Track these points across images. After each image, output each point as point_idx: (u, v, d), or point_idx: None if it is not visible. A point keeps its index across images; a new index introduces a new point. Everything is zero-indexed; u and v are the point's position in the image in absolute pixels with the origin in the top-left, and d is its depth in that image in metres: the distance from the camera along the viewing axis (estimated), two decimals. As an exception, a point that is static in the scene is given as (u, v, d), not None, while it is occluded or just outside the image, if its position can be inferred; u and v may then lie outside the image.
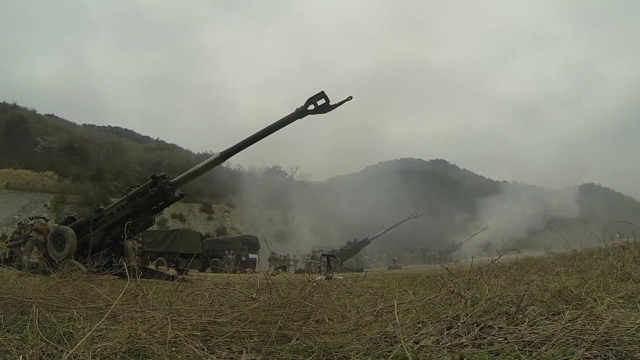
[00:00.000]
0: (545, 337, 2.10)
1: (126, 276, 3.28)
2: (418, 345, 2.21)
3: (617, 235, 10.33)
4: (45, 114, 77.22)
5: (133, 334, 2.27)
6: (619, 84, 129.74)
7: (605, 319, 2.19)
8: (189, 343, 2.18)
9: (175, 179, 10.52)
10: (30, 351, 2.03)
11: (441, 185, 72.30)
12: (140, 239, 16.22)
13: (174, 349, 2.16)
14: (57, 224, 12.02)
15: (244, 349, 2.26)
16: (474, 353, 2.06)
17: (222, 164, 12.22)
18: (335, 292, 3.94)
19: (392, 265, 32.72)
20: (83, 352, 1.98)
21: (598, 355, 1.87)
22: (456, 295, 3.00)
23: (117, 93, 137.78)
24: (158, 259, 23.75)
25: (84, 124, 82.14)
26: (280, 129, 9.41)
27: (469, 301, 2.74)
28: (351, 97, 8.57)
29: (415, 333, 2.42)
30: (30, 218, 13.42)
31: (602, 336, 2.01)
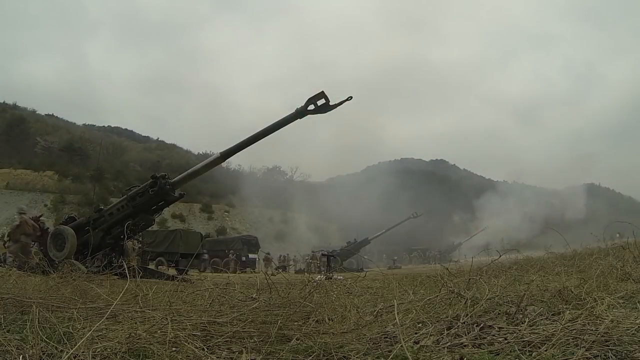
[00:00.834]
0: (545, 337, 2.10)
1: (126, 276, 3.28)
2: (418, 345, 2.21)
3: (617, 235, 10.32)
4: (45, 114, 77.34)
5: (133, 334, 2.27)
6: (620, 83, 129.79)
7: (605, 319, 2.19)
8: (189, 343, 2.18)
9: (175, 179, 10.52)
10: (30, 351, 2.03)
11: (441, 185, 72.31)
12: (140, 239, 16.24)
13: (174, 349, 2.16)
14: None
15: (244, 349, 2.26)
16: (474, 353, 2.06)
17: (222, 164, 12.23)
18: (335, 292, 3.94)
19: (392, 265, 32.75)
20: (83, 352, 1.98)
21: (598, 355, 1.87)
22: (456, 295, 3.00)
23: (117, 93, 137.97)
24: (158, 259, 23.75)
25: (84, 124, 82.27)
26: (280, 129, 9.42)
27: (469, 301, 2.74)
28: (351, 97, 8.57)
29: (415, 333, 2.42)
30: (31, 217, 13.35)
31: (602, 336, 2.01)
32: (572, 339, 2.04)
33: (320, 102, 8.65)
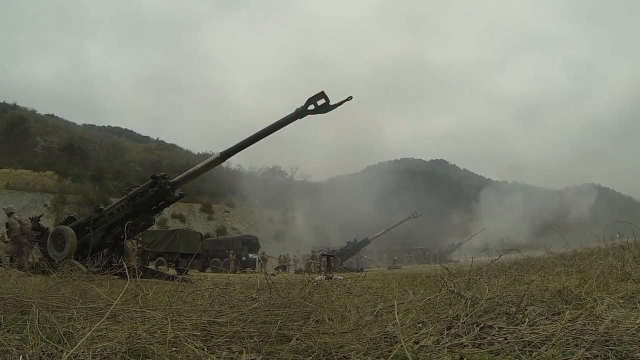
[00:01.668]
0: (545, 337, 2.10)
1: (126, 276, 3.28)
2: (418, 345, 2.21)
3: (617, 235, 10.33)
4: (45, 114, 77.36)
5: (133, 334, 2.27)
6: (620, 84, 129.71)
7: (605, 319, 2.19)
8: (189, 343, 2.18)
9: (175, 178, 10.52)
10: (30, 351, 2.03)
11: (441, 185, 72.33)
12: (140, 239, 16.24)
13: (174, 349, 2.16)
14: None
15: (244, 349, 2.26)
16: (474, 353, 2.06)
17: (222, 164, 12.24)
18: (335, 292, 3.94)
19: (392, 265, 32.76)
20: (83, 352, 1.98)
21: (598, 355, 1.87)
22: (456, 295, 3.00)
23: (117, 93, 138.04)
24: (158, 259, 23.76)
25: (84, 124, 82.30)
26: (280, 129, 9.42)
27: (469, 301, 2.74)
28: (351, 97, 8.57)
29: (415, 333, 2.42)
30: (30, 218, 13.35)
31: (602, 336, 2.01)
32: (572, 339, 2.04)
33: (320, 102, 8.64)
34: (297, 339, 2.44)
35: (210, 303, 3.38)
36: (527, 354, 1.99)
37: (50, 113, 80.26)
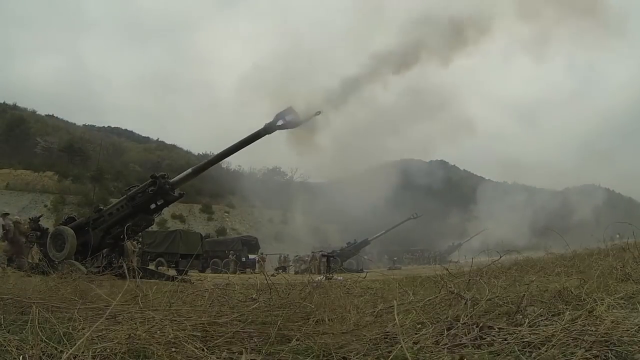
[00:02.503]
0: (545, 337, 2.10)
1: (126, 277, 3.28)
2: (418, 346, 2.21)
3: (617, 235, 10.33)
4: (45, 115, 77.30)
5: (133, 335, 2.27)
6: (621, 85, 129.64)
7: (605, 319, 2.19)
8: (188, 344, 2.18)
9: (175, 178, 10.54)
10: (30, 351, 2.04)
11: (441, 186, 72.29)
12: (140, 239, 16.24)
13: (173, 349, 2.16)
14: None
15: (244, 350, 2.26)
16: (474, 354, 2.06)
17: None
18: (335, 293, 3.94)
19: (392, 265, 32.74)
20: (83, 352, 1.98)
21: (598, 356, 1.87)
22: (456, 296, 3.00)
23: (117, 93, 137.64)
24: (158, 259, 23.74)
25: (84, 125, 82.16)
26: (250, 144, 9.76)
27: (469, 302, 2.74)
28: (320, 112, 8.84)
29: (415, 334, 2.42)
30: (30, 218, 13.37)
31: (602, 337, 2.01)
32: (572, 339, 2.04)
33: (289, 117, 8.80)
34: (297, 340, 2.44)
35: (210, 304, 3.38)
36: (527, 354, 1.99)
37: (50, 113, 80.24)
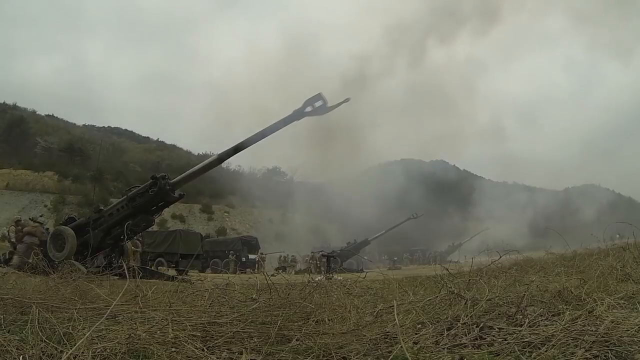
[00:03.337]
0: (545, 337, 2.10)
1: (126, 277, 3.28)
2: (418, 346, 2.21)
3: (617, 235, 10.32)
4: (45, 115, 77.33)
5: (133, 335, 2.27)
6: (622, 84, 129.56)
7: (605, 319, 2.19)
8: (188, 344, 2.18)
9: (175, 179, 10.53)
10: (30, 351, 2.04)
11: (441, 186, 72.26)
12: (140, 239, 16.23)
13: (173, 349, 2.16)
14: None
15: (244, 350, 2.26)
16: (473, 354, 2.06)
17: (222, 165, 12.28)
18: (335, 293, 3.94)
19: (392, 265, 32.71)
20: (83, 352, 1.98)
21: (598, 356, 1.88)
22: (456, 296, 3.00)
23: (117, 93, 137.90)
24: (158, 259, 23.75)
25: (84, 125, 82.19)
26: (278, 131, 9.44)
27: (469, 302, 2.74)
28: (349, 99, 8.60)
29: (415, 334, 2.42)
30: (30, 219, 13.44)
31: (602, 337, 2.01)
32: (572, 339, 2.04)
33: (318, 103, 8.66)
34: (297, 340, 2.44)
35: (210, 304, 3.38)
36: (527, 354, 1.99)
37: (50, 113, 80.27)
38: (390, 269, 25.29)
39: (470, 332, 2.32)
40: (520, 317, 2.52)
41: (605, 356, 1.87)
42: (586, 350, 1.91)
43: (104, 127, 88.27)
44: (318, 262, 25.02)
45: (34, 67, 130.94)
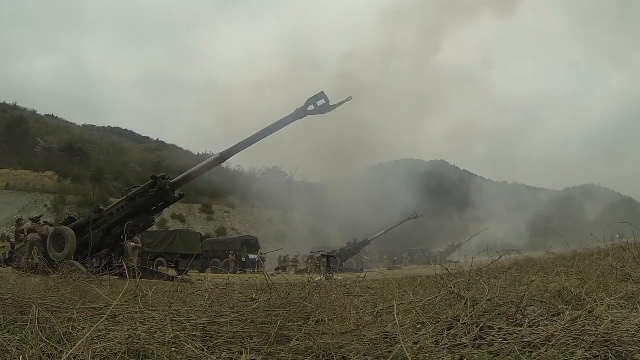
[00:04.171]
0: (545, 337, 2.10)
1: (126, 277, 3.28)
2: (418, 346, 2.21)
3: (617, 235, 10.33)
4: (45, 115, 77.36)
5: (133, 335, 2.27)
6: (622, 84, 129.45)
7: (605, 319, 2.19)
8: (188, 344, 2.18)
9: (175, 179, 10.53)
10: (30, 351, 2.04)
11: (441, 186, 72.26)
12: (140, 239, 16.23)
13: (173, 349, 2.16)
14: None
15: (244, 350, 2.26)
16: (473, 354, 2.06)
17: (223, 164, 12.27)
18: (335, 293, 3.94)
19: (392, 266, 32.70)
20: (83, 352, 1.98)
21: (598, 356, 1.87)
22: (456, 296, 3.00)
23: (117, 93, 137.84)
24: (158, 259, 23.75)
25: (84, 125, 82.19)
26: (280, 129, 9.44)
27: (469, 302, 2.74)
28: (351, 98, 8.60)
29: (415, 334, 2.42)
30: (30, 218, 13.44)
31: (602, 337, 2.01)
32: (572, 339, 2.04)
33: (320, 102, 8.66)
34: (297, 340, 2.44)
35: (210, 304, 3.38)
36: (527, 354, 1.99)
37: (50, 113, 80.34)
38: (390, 269, 25.30)
39: (470, 332, 2.32)
40: (520, 317, 2.52)
41: (605, 356, 1.87)
42: (586, 350, 1.90)
43: (104, 127, 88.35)
44: (318, 262, 25.00)
45: (34, 67, 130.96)
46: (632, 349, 1.91)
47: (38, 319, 2.43)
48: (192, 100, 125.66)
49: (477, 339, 2.24)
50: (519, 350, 2.02)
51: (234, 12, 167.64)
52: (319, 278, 6.92)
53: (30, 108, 74.54)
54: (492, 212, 54.40)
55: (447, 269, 4.08)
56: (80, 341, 2.00)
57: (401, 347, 1.96)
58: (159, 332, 2.38)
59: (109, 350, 2.07)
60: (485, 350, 2.09)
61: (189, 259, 21.66)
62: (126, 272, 3.40)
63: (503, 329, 2.36)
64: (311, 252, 29.91)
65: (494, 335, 2.28)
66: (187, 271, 12.33)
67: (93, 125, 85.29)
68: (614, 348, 1.91)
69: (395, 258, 39.18)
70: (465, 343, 2.20)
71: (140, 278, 4.58)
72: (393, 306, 2.73)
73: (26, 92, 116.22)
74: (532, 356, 1.96)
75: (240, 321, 2.66)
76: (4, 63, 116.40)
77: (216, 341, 2.39)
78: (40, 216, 13.57)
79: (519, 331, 2.25)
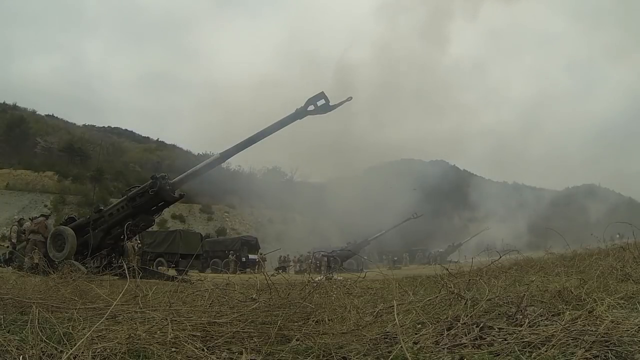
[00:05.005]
0: (545, 337, 2.10)
1: (126, 277, 3.28)
2: (418, 346, 2.21)
3: (617, 235, 10.35)
4: (45, 115, 77.34)
5: (133, 335, 2.27)
6: (623, 85, 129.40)
7: (605, 319, 2.19)
8: (188, 344, 2.18)
9: (175, 179, 10.54)
10: (30, 352, 2.04)
11: (441, 186, 72.29)
12: (140, 239, 16.25)
13: (173, 349, 2.16)
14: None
15: (244, 350, 2.26)
16: (473, 354, 2.06)
17: (222, 164, 12.27)
18: (335, 293, 3.94)
19: (392, 265, 32.69)
20: (83, 352, 1.98)
21: (598, 356, 1.87)
22: (456, 295, 3.00)
23: (117, 93, 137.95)
24: (158, 259, 23.75)
25: (84, 125, 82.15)
26: (280, 129, 9.45)
27: (469, 302, 2.74)
28: (351, 98, 8.61)
29: (415, 334, 2.42)
30: (30, 218, 13.44)
31: (602, 337, 2.01)
32: (572, 339, 2.04)
33: (320, 102, 8.67)
34: (297, 340, 2.44)
35: (210, 304, 3.38)
36: (527, 354, 1.99)
37: (50, 113, 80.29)
38: (390, 269, 25.27)
39: (470, 332, 2.32)
40: (520, 317, 2.52)
41: (605, 356, 1.87)
42: (586, 350, 1.90)
43: (104, 127, 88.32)
44: (318, 262, 24.98)
45: (34, 66, 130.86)
46: (632, 349, 1.91)
47: (38, 319, 2.42)
48: (192, 100, 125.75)
49: (477, 339, 2.24)
50: (519, 350, 2.02)
51: (234, 11, 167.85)
52: (319, 278, 6.91)
53: (30, 108, 74.59)
54: (492, 212, 54.44)
55: (447, 269, 4.08)
56: (80, 341, 2.00)
57: (401, 347, 1.96)
58: (159, 332, 2.38)
59: (109, 350, 2.07)
60: (485, 350, 2.09)
61: (189, 259, 21.66)
62: (126, 272, 3.40)
63: (503, 329, 2.36)
64: (308, 252, 29.91)
65: (494, 335, 2.27)
66: (187, 271, 12.33)
67: (93, 125, 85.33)
68: (614, 348, 1.91)
69: (395, 258, 39.18)
70: (465, 343, 2.20)
71: (140, 278, 4.57)
72: (393, 306, 2.73)
73: (26, 92, 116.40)
74: (532, 356, 1.96)
75: (240, 321, 2.66)
76: (4, 63, 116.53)
77: (216, 341, 2.38)
78: (41, 216, 13.55)
79: (519, 331, 2.25)
